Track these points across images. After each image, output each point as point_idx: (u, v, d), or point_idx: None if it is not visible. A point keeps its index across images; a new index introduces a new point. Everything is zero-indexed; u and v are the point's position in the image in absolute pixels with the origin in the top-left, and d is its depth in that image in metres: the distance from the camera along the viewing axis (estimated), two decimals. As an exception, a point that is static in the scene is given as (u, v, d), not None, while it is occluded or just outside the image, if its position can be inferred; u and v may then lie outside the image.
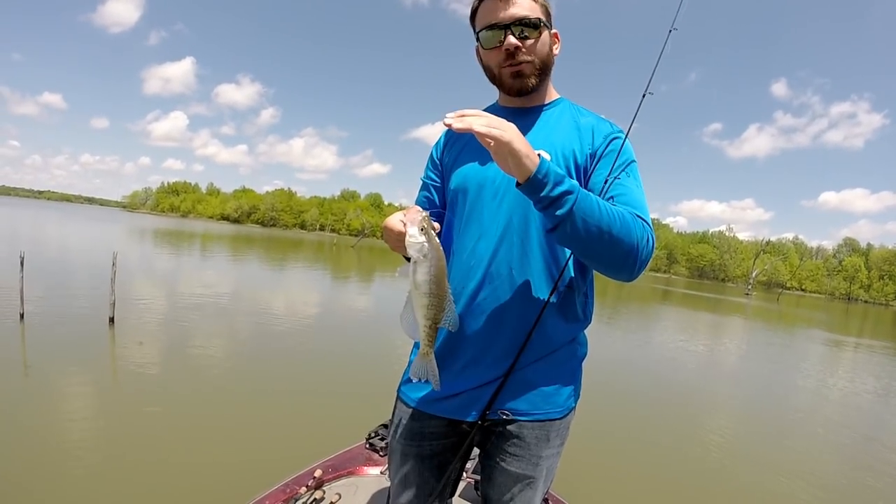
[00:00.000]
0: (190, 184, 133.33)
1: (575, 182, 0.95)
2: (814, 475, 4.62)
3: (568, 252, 1.14)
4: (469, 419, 1.14)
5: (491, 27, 1.13)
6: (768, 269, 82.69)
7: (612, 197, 1.06)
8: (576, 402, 1.22)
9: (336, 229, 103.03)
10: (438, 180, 1.33)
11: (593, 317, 1.24)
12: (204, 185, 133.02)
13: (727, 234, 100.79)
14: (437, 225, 1.00)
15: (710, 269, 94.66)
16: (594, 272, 1.22)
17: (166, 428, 3.93)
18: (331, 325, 9.43)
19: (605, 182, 1.08)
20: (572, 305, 1.16)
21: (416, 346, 1.25)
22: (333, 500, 1.88)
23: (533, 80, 1.17)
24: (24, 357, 5.42)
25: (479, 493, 1.81)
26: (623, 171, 1.10)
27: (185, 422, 4.09)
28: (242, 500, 1.87)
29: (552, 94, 1.26)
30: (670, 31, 1.32)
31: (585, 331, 1.25)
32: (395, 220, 1.09)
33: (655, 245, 1.05)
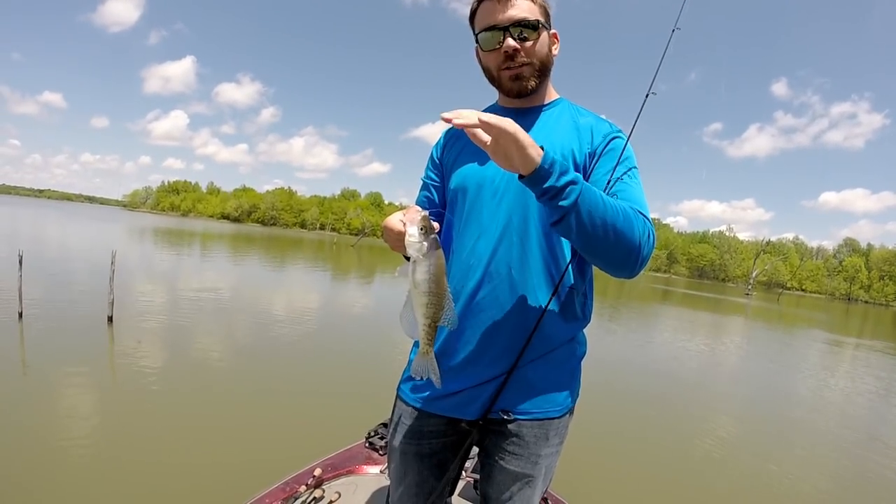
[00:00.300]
0: (190, 183, 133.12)
1: (579, 174, 0.94)
2: (815, 475, 4.63)
3: (567, 251, 1.14)
4: (468, 417, 1.14)
5: (490, 29, 1.13)
6: (768, 269, 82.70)
7: (613, 194, 1.07)
8: (575, 401, 1.22)
9: (336, 228, 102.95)
10: (438, 180, 1.34)
11: (592, 316, 1.24)
12: (204, 185, 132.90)
13: (727, 234, 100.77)
14: (436, 224, 1.00)
15: (711, 269, 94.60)
16: (593, 272, 1.23)
17: (165, 427, 3.93)
18: (331, 325, 9.43)
19: (609, 183, 1.08)
20: (571, 304, 1.16)
21: (416, 344, 1.25)
22: (333, 499, 1.88)
23: (532, 82, 1.17)
24: (22, 356, 5.42)
25: (478, 491, 1.81)
26: (626, 173, 1.10)
27: (183, 420, 4.09)
28: (242, 499, 1.87)
29: (552, 94, 1.26)
30: (673, 30, 1.32)
31: (585, 330, 1.25)
32: (394, 220, 1.10)
33: (655, 243, 1.04)
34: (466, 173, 1.21)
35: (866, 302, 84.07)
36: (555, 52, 1.21)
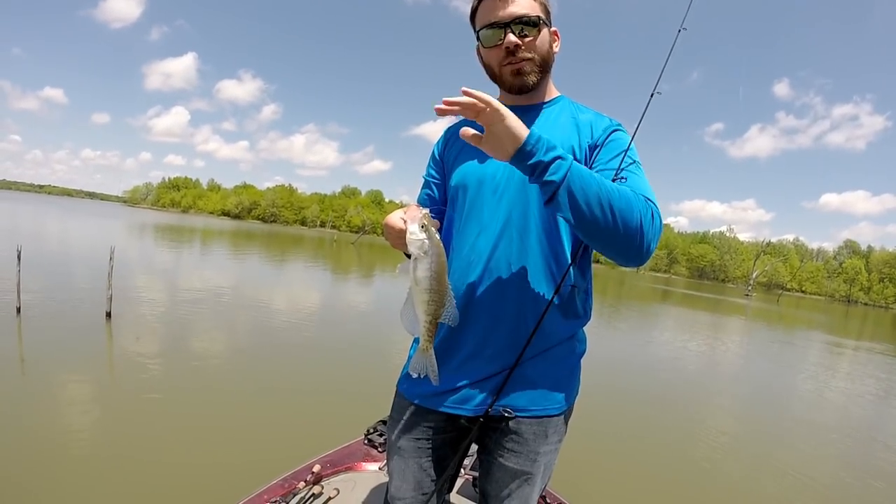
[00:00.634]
0: (191, 179, 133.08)
1: (570, 155, 0.96)
2: (814, 475, 4.63)
3: (568, 249, 1.15)
4: (467, 414, 1.14)
5: (491, 26, 1.14)
6: (768, 270, 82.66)
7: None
8: (574, 398, 1.23)
9: (337, 226, 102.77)
10: (440, 177, 1.34)
11: (593, 315, 1.24)
12: (205, 181, 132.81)
13: (728, 234, 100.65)
14: (436, 222, 1.01)
15: (711, 270, 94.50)
16: (593, 269, 1.23)
17: (163, 423, 3.93)
18: (330, 322, 9.44)
19: (613, 179, 1.07)
20: (572, 302, 1.16)
21: (416, 341, 1.26)
22: (332, 496, 1.88)
23: (533, 78, 1.18)
24: (20, 352, 5.41)
25: (477, 489, 1.81)
26: (628, 166, 1.10)
27: (181, 417, 4.09)
28: (241, 495, 1.87)
29: (552, 91, 1.26)
30: (679, 30, 1.32)
31: (584, 328, 1.25)
32: (395, 218, 1.10)
33: (662, 228, 1.02)
34: (467, 170, 1.21)
35: (866, 304, 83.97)
36: (555, 49, 1.21)
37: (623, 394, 6.58)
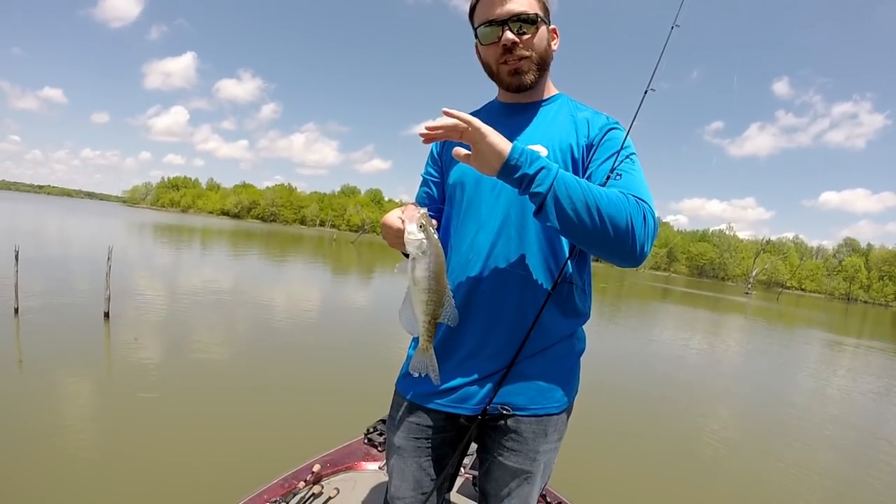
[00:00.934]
0: (190, 179, 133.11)
1: (556, 164, 0.97)
2: (816, 473, 4.63)
3: (566, 247, 1.14)
4: (466, 413, 1.14)
5: (489, 23, 1.14)
6: (768, 268, 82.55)
7: (609, 185, 1.06)
8: (574, 397, 1.22)
9: (336, 225, 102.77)
10: (438, 176, 1.34)
11: (592, 314, 1.24)
12: (204, 181, 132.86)
13: (727, 232, 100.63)
14: (434, 222, 1.00)
15: (710, 268, 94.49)
16: (591, 267, 1.23)
17: (162, 423, 3.92)
18: (330, 321, 9.43)
19: (608, 177, 1.07)
20: (571, 300, 1.16)
21: (415, 340, 1.25)
22: (332, 495, 1.88)
23: (531, 76, 1.17)
24: (18, 352, 5.40)
25: (477, 488, 1.81)
26: (623, 161, 1.09)
27: (181, 417, 4.09)
28: (241, 495, 1.87)
29: (551, 89, 1.26)
30: (672, 27, 1.32)
31: (584, 326, 1.25)
32: (393, 217, 1.10)
33: (658, 228, 1.02)
34: (465, 168, 1.21)
35: (865, 302, 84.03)
36: (554, 47, 1.21)
37: (623, 392, 6.58)
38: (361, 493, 1.92)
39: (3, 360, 5.04)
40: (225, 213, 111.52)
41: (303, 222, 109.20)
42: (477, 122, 0.93)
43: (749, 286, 59.12)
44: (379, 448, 2.26)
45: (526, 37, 1.13)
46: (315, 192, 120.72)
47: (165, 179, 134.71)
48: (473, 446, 1.25)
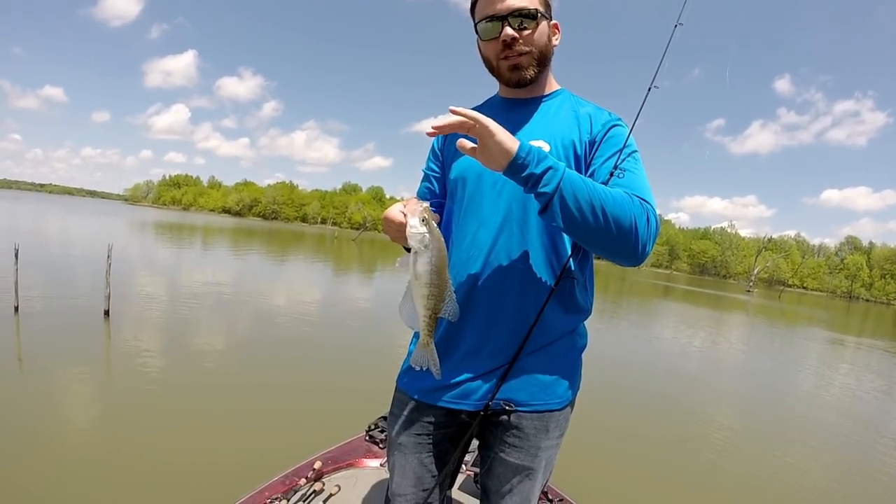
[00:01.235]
0: (191, 177, 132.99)
1: (562, 163, 0.97)
2: (818, 471, 4.63)
3: (568, 242, 1.14)
4: (467, 408, 1.14)
5: (489, 18, 1.13)
6: (770, 266, 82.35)
7: (614, 185, 1.06)
8: (576, 393, 1.22)
9: (337, 223, 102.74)
10: (439, 171, 1.34)
11: (594, 311, 1.23)
12: (205, 179, 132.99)
13: (729, 230, 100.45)
14: (437, 216, 1.00)
15: (712, 266, 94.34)
16: (594, 263, 1.23)
17: (162, 421, 3.92)
18: (331, 318, 9.44)
19: (610, 171, 1.08)
20: (572, 296, 1.15)
21: (416, 336, 1.25)
22: (333, 492, 1.88)
23: (531, 72, 1.17)
24: (18, 350, 5.40)
25: (478, 485, 1.81)
26: (626, 159, 1.09)
27: (182, 415, 4.09)
28: (242, 493, 1.87)
29: (552, 85, 1.26)
30: (676, 25, 1.31)
31: (585, 323, 1.25)
32: (395, 211, 1.09)
33: (659, 228, 1.03)
34: (466, 164, 1.20)
35: (867, 300, 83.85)
36: (555, 42, 1.20)
37: (625, 390, 6.58)
38: (363, 490, 1.93)
39: (3, 358, 5.05)
40: (226, 211, 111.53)
41: (304, 220, 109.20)
42: (484, 119, 0.93)
43: (751, 284, 59.01)
44: (380, 445, 2.26)
45: (526, 32, 1.13)
46: (316, 190, 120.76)
47: (167, 177, 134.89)
48: (475, 443, 1.25)
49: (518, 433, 1.13)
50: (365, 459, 2.15)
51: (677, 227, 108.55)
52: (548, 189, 0.93)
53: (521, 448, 1.13)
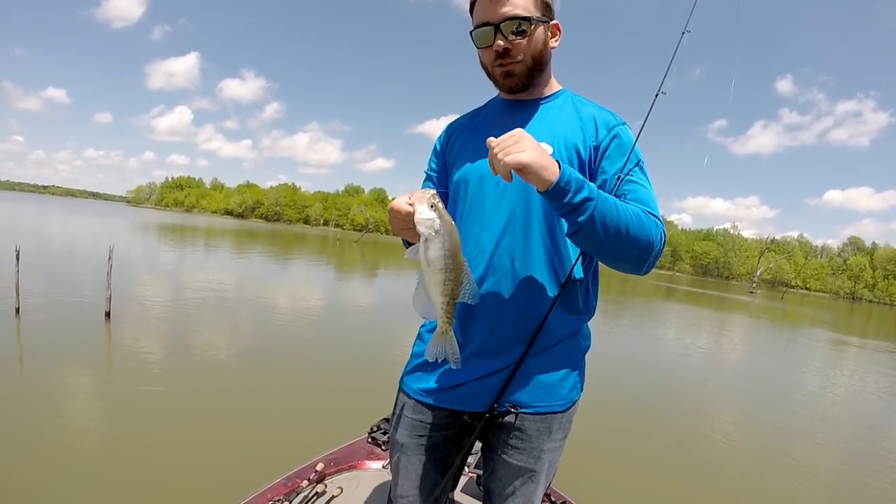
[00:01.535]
0: (194, 178, 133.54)
1: (594, 186, 0.97)
2: (822, 473, 4.61)
3: (571, 246, 1.13)
4: (470, 410, 1.13)
5: (484, 24, 1.13)
6: (773, 267, 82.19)
7: (623, 194, 1.06)
8: (579, 395, 1.21)
9: (340, 224, 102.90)
10: (441, 172, 1.34)
11: (597, 312, 1.23)
12: (208, 180, 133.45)
13: (732, 231, 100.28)
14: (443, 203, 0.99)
15: (715, 267, 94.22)
16: (598, 265, 1.22)
17: (164, 422, 3.92)
18: (333, 320, 9.44)
19: (618, 179, 1.08)
20: (575, 297, 1.15)
21: (420, 337, 1.25)
22: (335, 494, 1.88)
23: (523, 80, 1.17)
24: (19, 352, 5.40)
25: (481, 487, 1.80)
26: (632, 169, 1.09)
27: (184, 416, 4.09)
28: (244, 494, 1.87)
29: (553, 85, 1.25)
30: (683, 32, 1.31)
31: (589, 324, 1.24)
32: (401, 202, 1.07)
33: (665, 237, 1.06)
34: (469, 166, 1.20)
35: (870, 301, 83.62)
36: (553, 44, 1.19)
37: (628, 391, 6.56)
38: (365, 492, 1.92)
39: (5, 359, 5.05)
40: (229, 213, 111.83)
41: (306, 222, 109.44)
42: (525, 157, 0.90)
43: (753, 285, 58.91)
44: (383, 447, 2.25)
45: (519, 41, 1.12)
46: (319, 192, 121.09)
47: (169, 179, 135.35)
48: (477, 445, 1.23)
49: (521, 435, 1.12)
50: (367, 461, 2.15)
51: (680, 228, 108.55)
52: (583, 219, 0.94)
53: (523, 450, 1.13)
